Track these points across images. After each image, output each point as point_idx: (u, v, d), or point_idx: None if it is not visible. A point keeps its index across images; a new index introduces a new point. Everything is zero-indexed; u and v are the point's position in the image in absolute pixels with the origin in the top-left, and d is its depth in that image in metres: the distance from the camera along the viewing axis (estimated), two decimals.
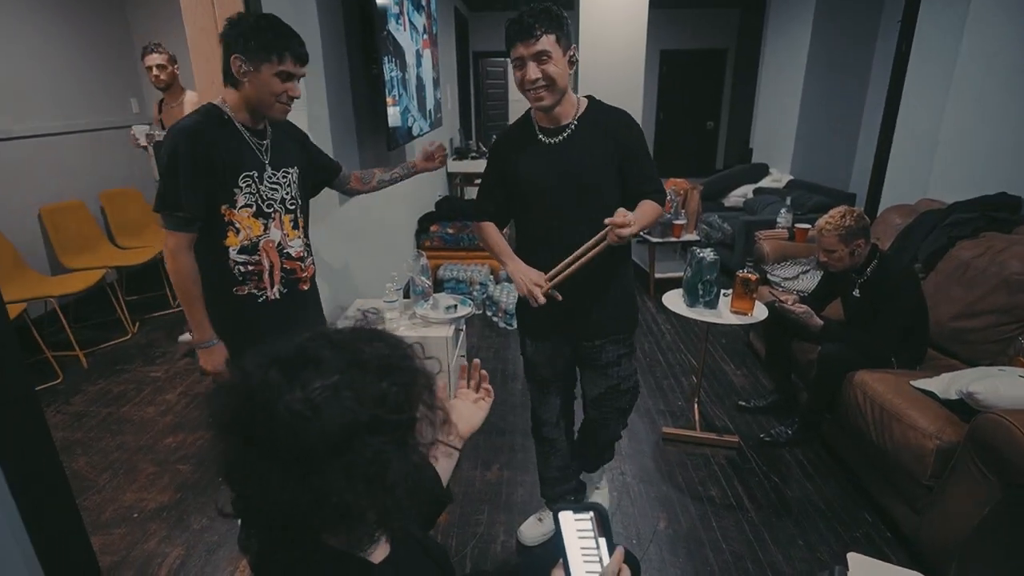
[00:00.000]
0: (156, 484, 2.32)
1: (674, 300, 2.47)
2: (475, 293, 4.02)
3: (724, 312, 2.38)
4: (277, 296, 1.61)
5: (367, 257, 3.14)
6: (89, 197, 4.07)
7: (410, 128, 3.39)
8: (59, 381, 3.11)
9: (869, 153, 5.12)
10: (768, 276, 3.29)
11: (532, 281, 1.56)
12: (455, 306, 2.36)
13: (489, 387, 1.15)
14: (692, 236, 4.27)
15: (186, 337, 3.48)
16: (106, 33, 4.32)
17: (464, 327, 2.55)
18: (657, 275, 4.27)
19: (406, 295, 2.61)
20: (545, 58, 1.44)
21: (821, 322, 2.38)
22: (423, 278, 2.43)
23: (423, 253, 2.42)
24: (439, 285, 4.27)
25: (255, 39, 1.40)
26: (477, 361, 1.17)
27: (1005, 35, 2.88)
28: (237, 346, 1.58)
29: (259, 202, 1.54)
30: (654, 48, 8.19)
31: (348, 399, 0.61)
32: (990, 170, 2.96)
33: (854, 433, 2.22)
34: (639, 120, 1.77)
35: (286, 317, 1.63)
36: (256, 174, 1.52)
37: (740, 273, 2.32)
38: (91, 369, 3.26)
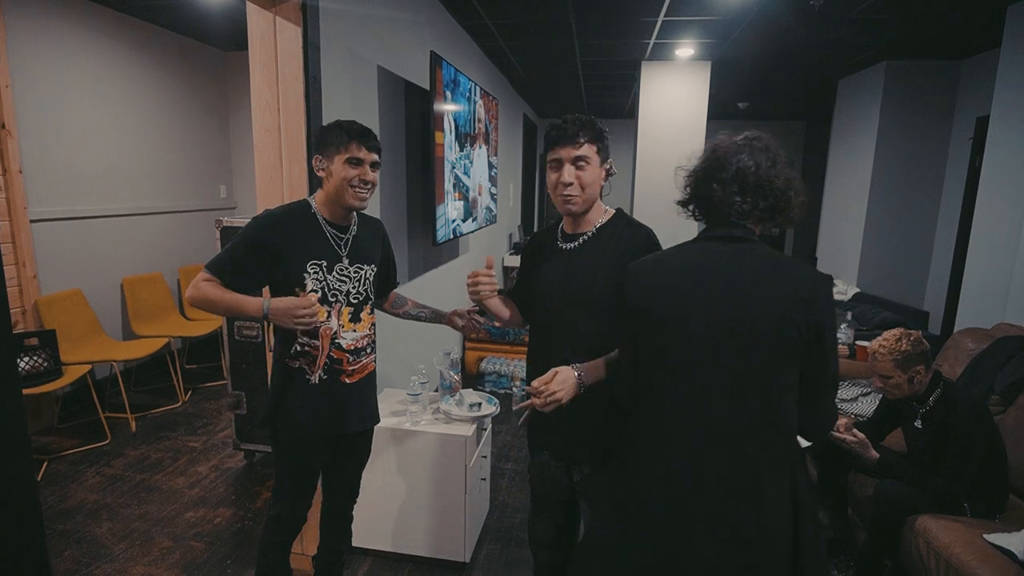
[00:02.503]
0: (167, 559, 2.30)
1: None
2: (515, 389, 3.95)
3: None
4: (317, 381, 1.65)
5: (408, 347, 3.18)
6: (170, 271, 4.42)
7: (458, 226, 3.52)
8: (106, 442, 3.24)
9: (944, 269, 4.85)
10: None
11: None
12: (480, 404, 2.31)
13: None
14: None
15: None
16: (207, 124, 4.88)
17: (488, 427, 2.48)
18: None
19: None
20: (583, 163, 1.47)
21: (877, 455, 2.15)
22: (452, 372, 2.42)
23: (454, 347, 2.42)
24: (480, 377, 4.24)
25: (327, 136, 1.59)
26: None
27: None
28: (282, 408, 1.64)
29: (325, 290, 1.62)
30: None
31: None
32: None
33: None
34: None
35: (326, 402, 1.67)
36: (326, 264, 1.62)
37: None
38: (138, 433, 3.39)
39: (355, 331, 1.70)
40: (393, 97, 2.79)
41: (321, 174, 1.60)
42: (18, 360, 2.94)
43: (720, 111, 5.20)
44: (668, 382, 1.15)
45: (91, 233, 3.78)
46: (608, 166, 1.53)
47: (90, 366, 3.29)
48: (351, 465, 1.85)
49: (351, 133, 1.58)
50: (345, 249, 1.66)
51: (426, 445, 2.22)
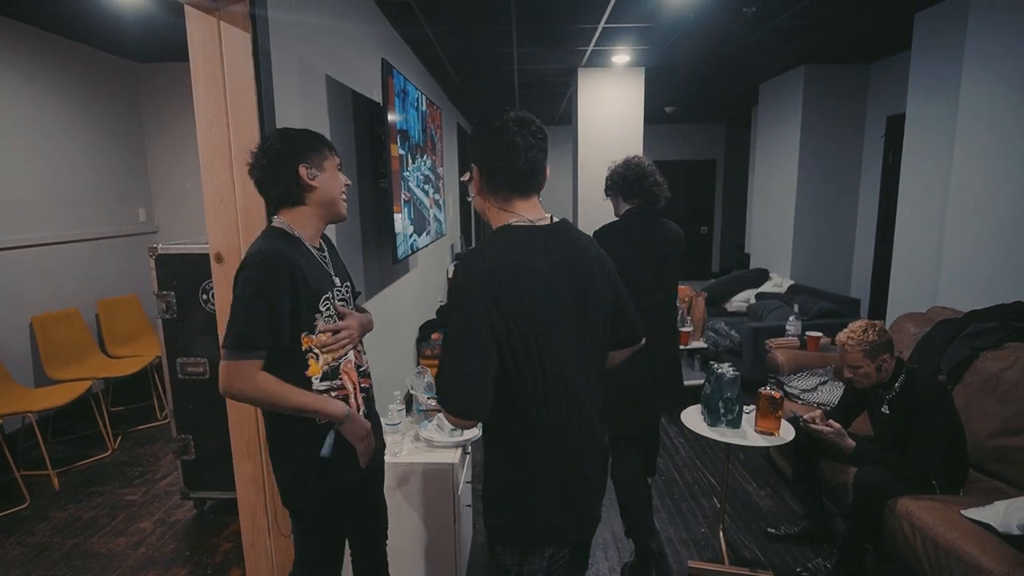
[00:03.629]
0: None
1: (693, 419, 2.31)
2: None
3: (749, 432, 2.22)
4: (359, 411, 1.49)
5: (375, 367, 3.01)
6: (87, 306, 3.99)
7: (415, 240, 3.39)
8: (25, 506, 2.85)
9: (867, 257, 5.19)
10: (785, 388, 3.15)
11: None
12: None
13: None
14: (699, 343, 4.18)
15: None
16: (120, 142, 4.46)
17: (471, 450, 2.37)
18: None
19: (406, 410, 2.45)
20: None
21: (853, 443, 2.22)
22: (427, 396, 2.29)
23: (427, 368, 2.30)
24: None
25: (305, 142, 1.41)
26: None
27: (1001, 131, 2.95)
28: (323, 467, 1.41)
29: (335, 321, 1.44)
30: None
31: None
32: (1004, 277, 2.93)
33: (904, 568, 2.00)
34: None
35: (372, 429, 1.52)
36: (330, 293, 1.44)
37: (764, 391, 2.20)
38: (63, 491, 3.01)
39: (361, 348, 1.56)
40: (343, 108, 2.64)
41: (314, 184, 1.40)
42: None
43: (649, 116, 5.35)
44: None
45: None
46: (465, 177, 1.32)
47: (0, 420, 2.89)
48: (378, 489, 1.69)
49: (323, 139, 1.45)
50: (332, 269, 1.49)
51: (410, 476, 2.08)
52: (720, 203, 9.35)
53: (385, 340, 3.50)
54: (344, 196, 1.48)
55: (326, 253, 1.51)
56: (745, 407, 2.30)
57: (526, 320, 1.14)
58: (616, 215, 2.34)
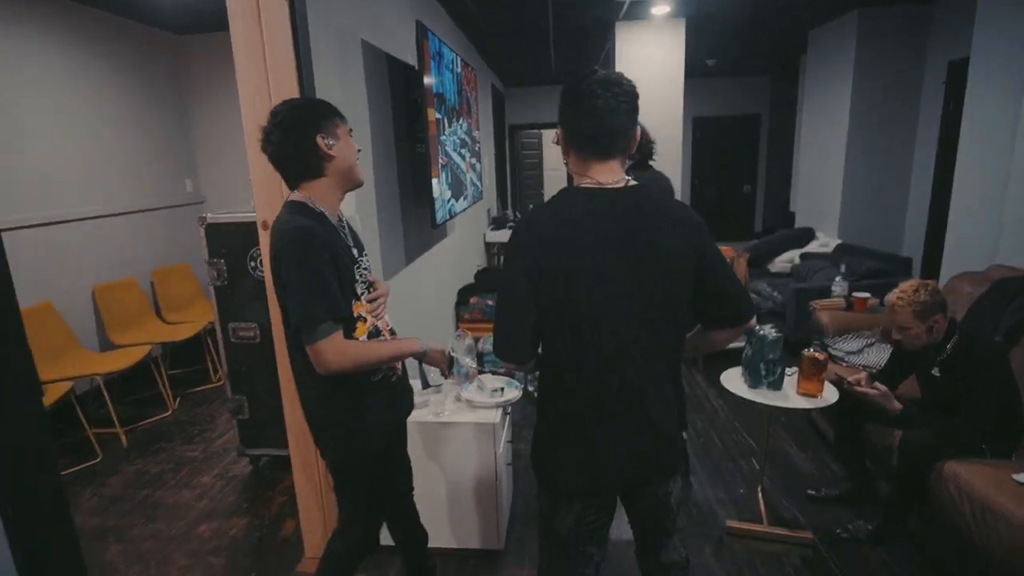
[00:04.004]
0: None
1: (734, 380, 2.30)
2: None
3: (791, 394, 2.20)
4: (400, 372, 1.59)
5: (408, 334, 3.07)
6: (142, 274, 4.18)
7: (454, 204, 3.41)
8: (98, 461, 3.08)
9: (921, 214, 4.95)
10: (830, 350, 3.09)
11: None
12: (502, 389, 2.25)
13: None
14: None
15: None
16: (164, 115, 4.58)
17: (511, 410, 2.43)
18: None
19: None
20: None
21: (900, 405, 2.18)
22: (468, 359, 2.33)
23: (467, 332, 2.34)
24: (480, 359, 4.17)
25: (320, 110, 1.41)
26: None
27: None
28: (366, 423, 1.49)
29: (367, 287, 1.50)
30: (686, 116, 8.32)
31: None
32: None
33: (950, 531, 1.97)
34: (676, 187, 1.71)
35: (406, 390, 1.64)
36: (359, 263, 1.48)
37: (807, 352, 2.16)
38: (130, 448, 3.23)
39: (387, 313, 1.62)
40: (379, 73, 2.63)
41: (332, 153, 1.39)
42: None
43: (689, 68, 5.13)
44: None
45: (53, 241, 3.52)
46: (554, 138, 1.32)
47: (71, 383, 3.09)
48: (403, 445, 1.77)
49: (332, 107, 1.45)
50: (352, 241, 1.51)
51: (454, 436, 2.15)
52: (764, 160, 9.01)
53: (425, 304, 3.56)
54: (358, 161, 1.49)
55: (345, 226, 1.52)
56: (788, 369, 2.27)
57: (564, 280, 1.16)
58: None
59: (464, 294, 4.57)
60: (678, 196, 2.15)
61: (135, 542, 2.42)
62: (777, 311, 4.27)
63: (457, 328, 4.45)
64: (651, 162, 2.60)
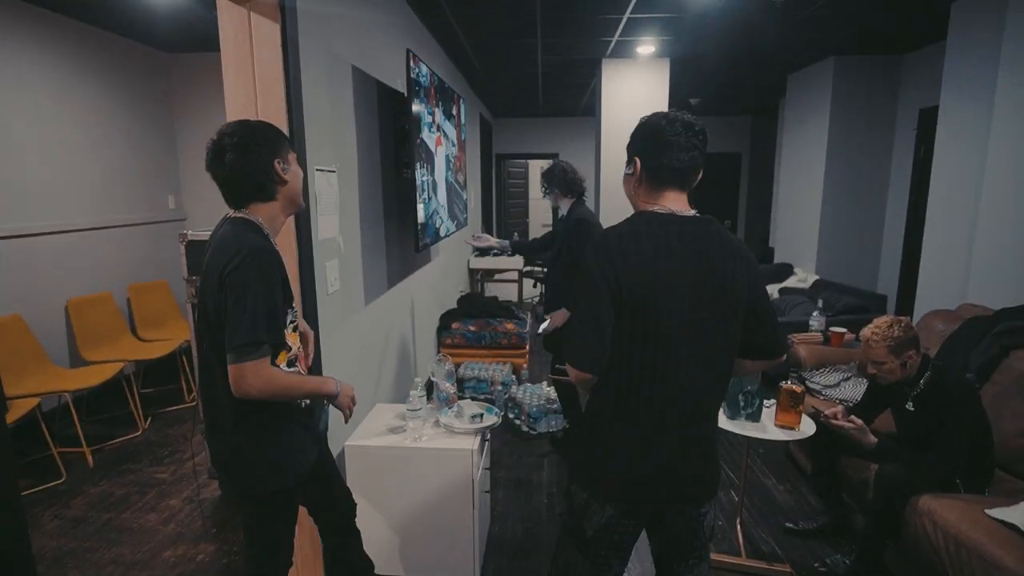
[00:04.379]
0: None
1: None
2: (496, 394, 3.88)
3: (768, 426, 2.22)
4: (304, 406, 1.52)
5: (388, 358, 3.06)
6: (119, 291, 4.11)
7: (438, 229, 3.42)
8: (62, 481, 2.97)
9: (895, 252, 5.08)
10: (807, 383, 3.12)
11: None
12: (481, 415, 2.23)
13: None
14: None
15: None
16: (151, 131, 4.56)
17: (489, 437, 2.40)
18: None
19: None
20: None
21: (875, 439, 2.20)
22: (447, 383, 2.32)
23: (448, 357, 2.33)
24: (460, 384, 4.14)
25: (273, 135, 1.41)
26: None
27: None
28: (289, 454, 1.45)
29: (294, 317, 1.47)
30: None
31: None
32: None
33: (925, 566, 1.97)
34: None
35: (314, 421, 1.58)
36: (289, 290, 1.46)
37: (785, 385, 2.19)
38: (96, 468, 3.12)
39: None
40: (368, 98, 2.67)
41: (286, 178, 1.40)
42: None
43: (673, 106, 5.27)
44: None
45: (27, 252, 3.46)
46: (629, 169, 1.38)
47: (38, 399, 3.00)
48: (331, 466, 1.71)
49: (282, 133, 1.47)
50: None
51: (430, 462, 2.12)
52: (744, 197, 9.22)
53: (406, 328, 3.55)
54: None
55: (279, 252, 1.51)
56: (765, 401, 2.29)
57: (641, 295, 1.21)
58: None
59: (446, 319, 4.55)
60: None
61: (95, 567, 2.32)
62: None
63: (438, 353, 4.43)
64: (584, 197, 2.99)
